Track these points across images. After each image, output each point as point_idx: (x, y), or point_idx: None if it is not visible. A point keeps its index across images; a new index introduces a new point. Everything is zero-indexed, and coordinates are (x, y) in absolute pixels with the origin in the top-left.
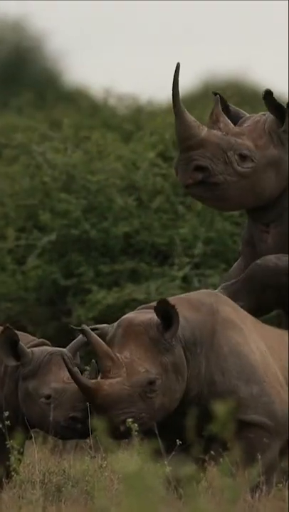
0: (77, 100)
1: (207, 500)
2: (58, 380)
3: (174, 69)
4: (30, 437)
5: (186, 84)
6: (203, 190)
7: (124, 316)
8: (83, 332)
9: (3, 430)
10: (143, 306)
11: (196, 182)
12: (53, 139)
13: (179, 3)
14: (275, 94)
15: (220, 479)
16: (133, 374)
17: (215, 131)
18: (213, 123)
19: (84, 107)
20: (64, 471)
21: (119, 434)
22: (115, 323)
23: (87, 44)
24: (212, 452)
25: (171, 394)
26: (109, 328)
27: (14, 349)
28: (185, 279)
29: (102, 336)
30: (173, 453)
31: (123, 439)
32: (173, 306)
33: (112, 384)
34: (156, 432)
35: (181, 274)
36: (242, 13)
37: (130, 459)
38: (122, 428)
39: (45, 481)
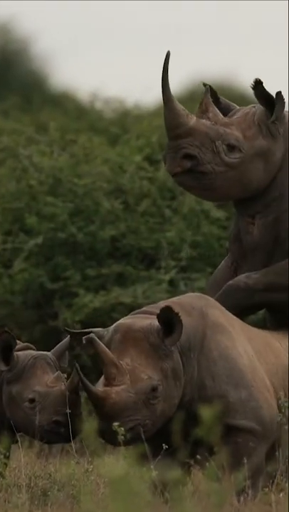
0: (63, 103)
1: (193, 504)
2: (42, 384)
3: (164, 57)
4: (16, 441)
5: (172, 88)
6: (190, 178)
7: (121, 321)
8: (90, 339)
9: None
10: (137, 311)
11: (184, 170)
12: (40, 143)
13: (165, 6)
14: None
15: (206, 483)
16: (137, 381)
17: (204, 121)
18: (202, 112)
19: (70, 110)
20: (50, 475)
21: (122, 441)
22: (111, 328)
23: (74, 47)
24: (198, 456)
25: (170, 400)
26: (104, 332)
27: (7, 354)
28: (172, 282)
29: None
30: (159, 457)
31: (125, 446)
32: (177, 314)
33: (119, 392)
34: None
35: (167, 277)
36: (230, 15)
37: (116, 463)
38: (128, 435)
39: (31, 484)
